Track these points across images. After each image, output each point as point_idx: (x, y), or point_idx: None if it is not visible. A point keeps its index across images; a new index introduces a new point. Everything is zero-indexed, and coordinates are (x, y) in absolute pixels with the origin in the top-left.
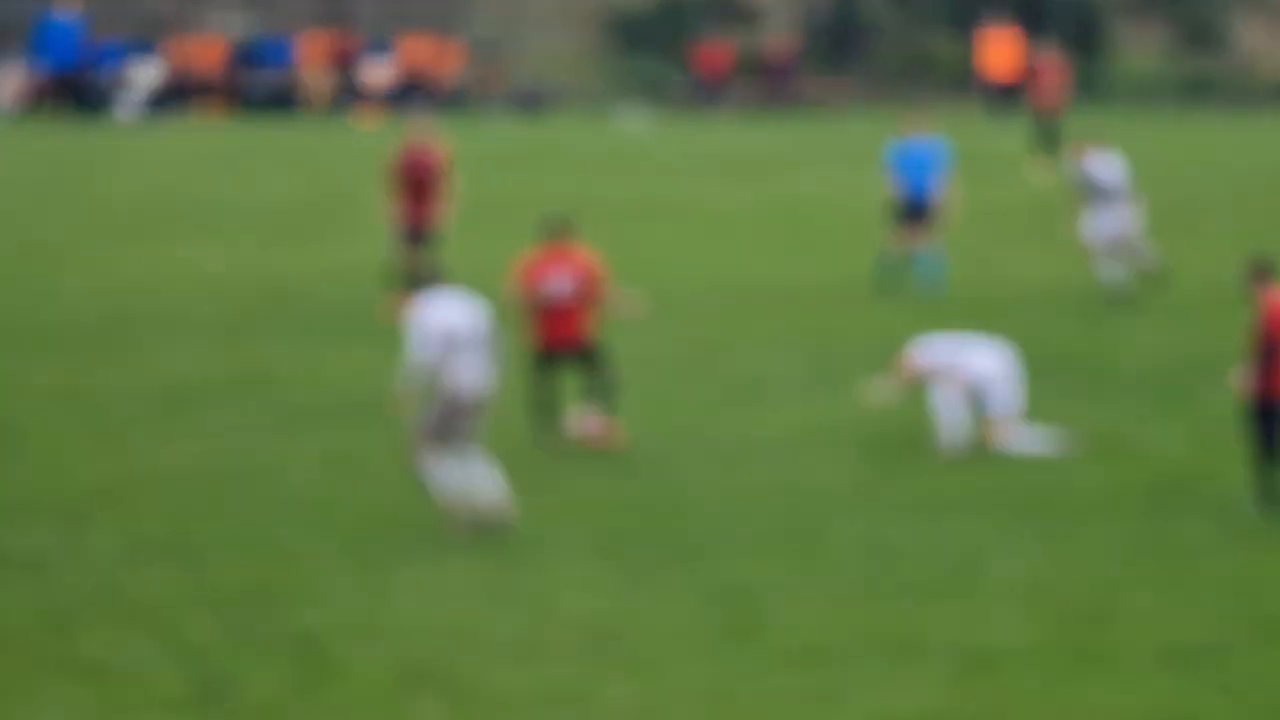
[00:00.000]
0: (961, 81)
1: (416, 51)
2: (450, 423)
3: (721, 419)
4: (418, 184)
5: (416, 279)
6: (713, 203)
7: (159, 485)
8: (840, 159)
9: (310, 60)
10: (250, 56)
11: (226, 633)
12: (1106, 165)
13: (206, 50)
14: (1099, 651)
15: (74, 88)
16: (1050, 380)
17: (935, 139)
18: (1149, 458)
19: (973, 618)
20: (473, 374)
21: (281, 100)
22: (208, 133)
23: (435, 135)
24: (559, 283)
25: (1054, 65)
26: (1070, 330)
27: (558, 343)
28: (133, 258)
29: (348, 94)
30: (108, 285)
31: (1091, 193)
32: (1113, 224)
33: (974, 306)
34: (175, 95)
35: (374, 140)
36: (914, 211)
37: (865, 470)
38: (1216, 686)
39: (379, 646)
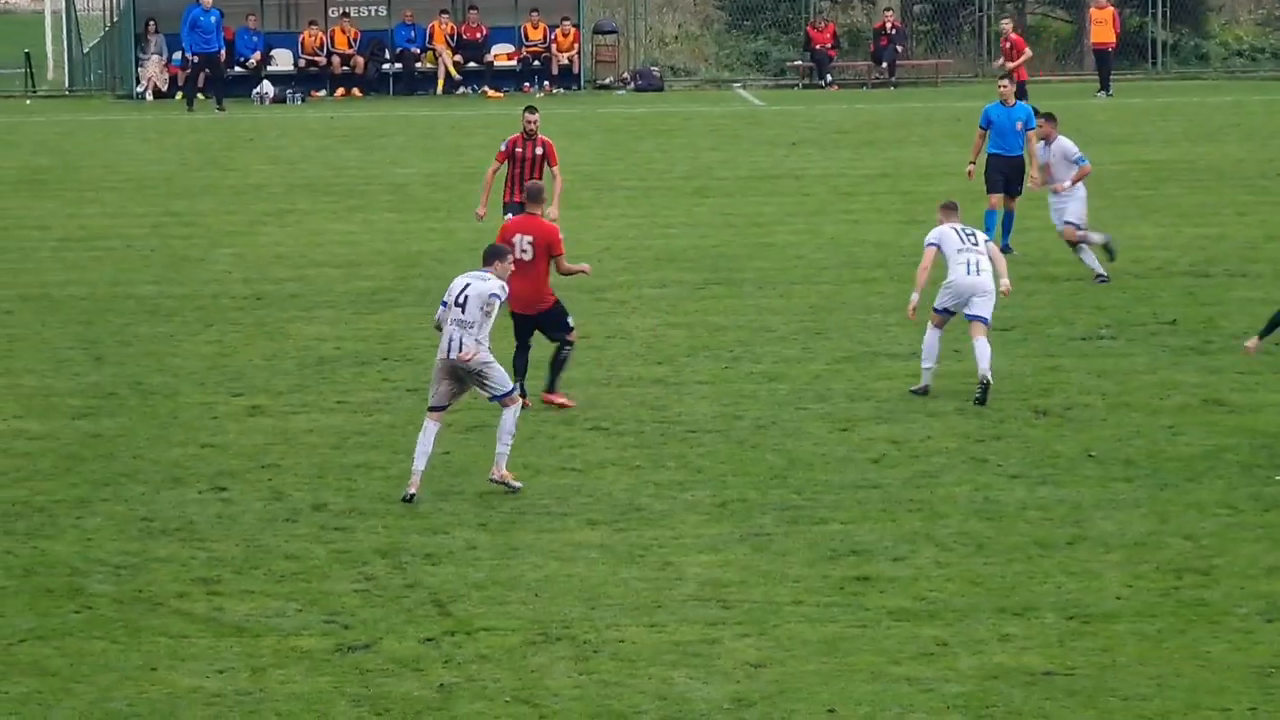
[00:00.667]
0: (1067, 54)
1: (538, 35)
2: (434, 382)
3: (834, 383)
4: (523, 174)
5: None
6: (826, 173)
7: (301, 452)
8: (944, 131)
9: (440, 44)
10: (383, 43)
11: (365, 592)
12: (1071, 144)
13: (341, 36)
14: (1205, 607)
15: (215, 74)
16: (1155, 342)
17: (1022, 105)
18: (1252, 417)
19: (1080, 575)
20: (447, 336)
21: (413, 83)
22: (344, 114)
23: (538, 127)
24: (523, 246)
25: (1018, 38)
26: (1174, 292)
27: (519, 304)
28: (276, 233)
29: (476, 76)
30: (252, 259)
31: (1064, 173)
32: (1079, 206)
33: (1079, 269)
34: (312, 80)
35: (502, 117)
36: (1005, 173)
37: (972, 431)
38: None
39: (509, 605)
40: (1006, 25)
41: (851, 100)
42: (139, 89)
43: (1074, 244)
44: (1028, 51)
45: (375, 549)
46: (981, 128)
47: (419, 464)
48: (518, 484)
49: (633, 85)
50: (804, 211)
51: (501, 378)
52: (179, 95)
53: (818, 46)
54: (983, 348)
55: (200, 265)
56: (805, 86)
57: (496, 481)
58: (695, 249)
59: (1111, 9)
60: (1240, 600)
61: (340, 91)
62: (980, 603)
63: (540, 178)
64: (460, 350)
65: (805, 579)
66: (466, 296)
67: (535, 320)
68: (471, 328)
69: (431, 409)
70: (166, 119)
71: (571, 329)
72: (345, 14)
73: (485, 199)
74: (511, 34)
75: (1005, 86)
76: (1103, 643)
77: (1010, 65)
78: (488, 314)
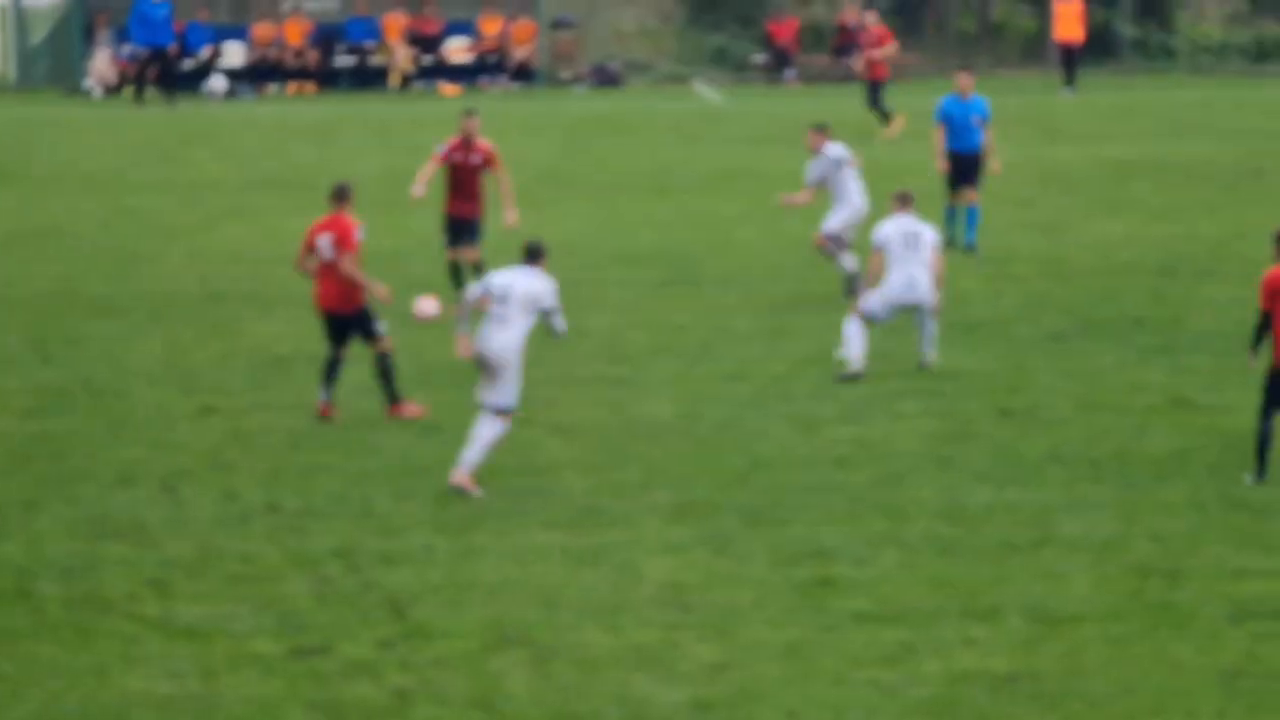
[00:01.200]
0: (1031, 50)
1: (494, 29)
2: (479, 373)
3: (797, 384)
4: (461, 180)
5: (458, 273)
6: (788, 171)
7: (255, 452)
8: (908, 128)
9: (394, 39)
10: (336, 36)
11: (319, 594)
12: (843, 151)
13: (294, 30)
14: (1172, 609)
15: (166, 68)
16: (1121, 342)
17: (979, 97)
18: (1218, 418)
19: (1046, 577)
20: (485, 333)
21: (367, 78)
22: (297, 109)
23: (479, 133)
24: (324, 246)
25: (879, 30)
26: (1140, 293)
27: (325, 304)
28: (228, 230)
29: (430, 71)
30: (205, 257)
31: (835, 181)
32: (843, 214)
33: (1045, 268)
34: (264, 74)
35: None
36: (962, 169)
37: (937, 432)
38: None
39: (466, 608)
40: (870, 17)
41: (813, 96)
42: (88, 84)
43: (825, 252)
44: (891, 46)
45: (330, 551)
46: (938, 122)
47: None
48: (478, 492)
49: (591, 81)
50: (766, 209)
51: (512, 390)
52: (128, 90)
53: (778, 42)
54: (927, 330)
55: (153, 263)
56: (767, 82)
57: (454, 487)
58: (656, 247)
59: (1078, 4)
60: (1207, 602)
61: (293, 86)
62: (945, 605)
63: (481, 186)
64: (493, 344)
65: (767, 582)
66: (509, 293)
67: (345, 321)
68: (509, 323)
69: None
70: (116, 114)
71: (382, 335)
72: (298, 7)
73: (422, 180)
74: (468, 28)
75: (964, 79)
76: (1069, 645)
77: (872, 56)
78: (544, 313)
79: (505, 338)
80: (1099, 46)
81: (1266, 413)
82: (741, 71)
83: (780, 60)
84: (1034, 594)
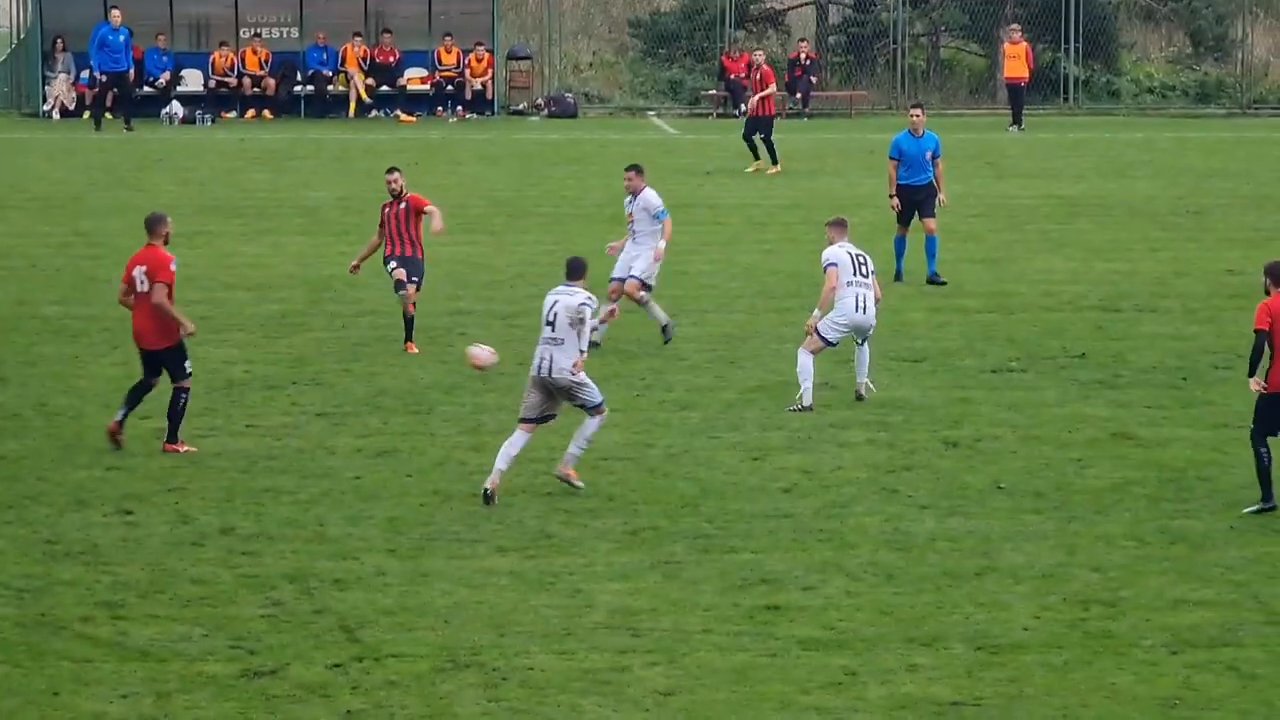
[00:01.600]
0: (979, 88)
1: (451, 59)
2: (526, 394)
3: (747, 413)
4: (397, 231)
5: (409, 322)
6: (741, 203)
7: (208, 475)
8: (859, 163)
9: (352, 67)
10: (295, 64)
11: (271, 617)
12: (655, 198)
13: (253, 58)
14: (1112, 638)
15: (124, 93)
16: (1065, 375)
17: (931, 134)
18: (1158, 451)
19: (988, 606)
20: (539, 355)
21: (325, 106)
22: (254, 135)
23: (402, 185)
24: (140, 279)
25: (767, 70)
26: (1083, 328)
27: (140, 337)
28: (185, 255)
29: (388, 100)
30: None
31: (645, 226)
32: (647, 264)
33: (990, 302)
34: (222, 100)
35: (414, 143)
36: (914, 203)
37: (883, 462)
38: (1227, 671)
39: (417, 631)
40: (759, 56)
41: None
42: (46, 107)
43: (636, 300)
44: (772, 86)
45: (283, 574)
46: (892, 158)
47: (501, 464)
48: (580, 484)
49: (546, 111)
50: (718, 241)
51: (593, 391)
52: (86, 114)
53: (732, 76)
54: (864, 357)
55: (107, 286)
56: (719, 116)
57: (560, 477)
58: (608, 276)
59: (1025, 44)
60: (1146, 632)
61: (251, 113)
62: (889, 633)
63: (418, 227)
64: (553, 369)
65: (715, 607)
66: (556, 314)
67: (158, 356)
68: (563, 344)
69: (522, 420)
70: (74, 138)
71: (188, 374)
72: (257, 35)
73: (361, 256)
74: (425, 58)
75: (917, 115)
76: (1010, 673)
77: (757, 97)
78: (579, 325)
79: (565, 359)
80: (1045, 86)
81: (1260, 438)
82: (695, 104)
83: (734, 93)
84: (976, 622)
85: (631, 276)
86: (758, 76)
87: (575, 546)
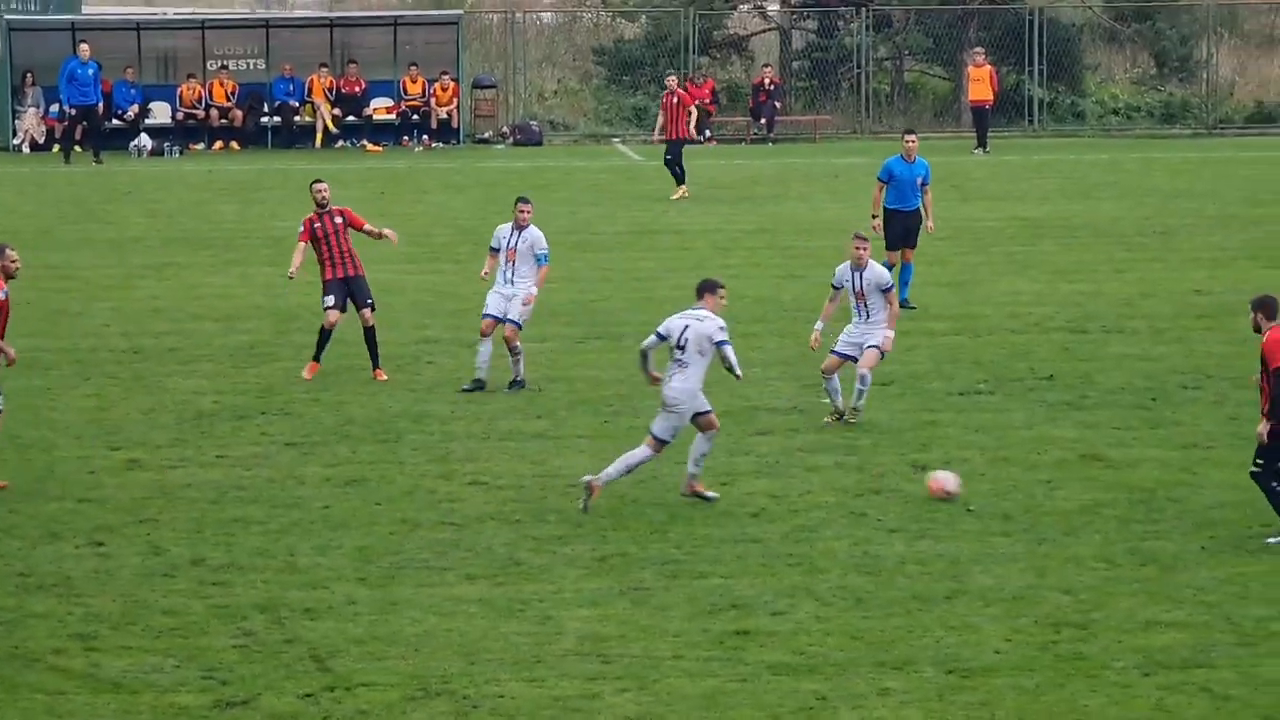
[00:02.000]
0: (944, 111)
1: (417, 89)
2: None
3: (715, 440)
4: (331, 249)
5: (370, 345)
6: (705, 229)
7: (179, 506)
8: (823, 187)
9: (319, 98)
10: (261, 96)
11: (243, 648)
12: (541, 238)
13: (220, 89)
14: (1083, 661)
15: (92, 126)
16: (1033, 397)
17: (923, 160)
18: (1127, 473)
19: (959, 629)
20: (668, 379)
21: (292, 136)
22: (222, 166)
23: (327, 196)
24: None
25: (686, 97)
26: (1051, 348)
27: None
28: (153, 286)
29: (355, 130)
30: (130, 313)
31: (526, 267)
32: (523, 307)
33: (957, 324)
34: (190, 132)
35: (380, 172)
36: (904, 228)
37: (851, 486)
38: (1199, 693)
39: (388, 660)
40: (671, 81)
41: (730, 156)
42: (15, 141)
43: (510, 348)
44: (693, 110)
45: (254, 604)
46: (881, 180)
47: (611, 472)
48: (713, 495)
49: (512, 140)
50: (683, 266)
51: (711, 415)
52: (56, 148)
53: (696, 102)
54: (866, 378)
55: (78, 319)
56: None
57: (689, 495)
58: (575, 303)
59: (989, 67)
60: (1118, 654)
61: (218, 144)
62: (859, 657)
63: (349, 244)
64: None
65: (685, 633)
66: (686, 339)
67: None
68: (688, 368)
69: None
70: (43, 171)
71: None
72: (224, 67)
73: (296, 261)
74: (390, 88)
75: (911, 141)
76: (981, 696)
77: (661, 124)
78: (704, 355)
79: (685, 383)
80: (1010, 108)
81: (1268, 472)
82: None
83: (698, 120)
84: (947, 645)
85: (510, 320)
86: (674, 101)
87: (544, 573)
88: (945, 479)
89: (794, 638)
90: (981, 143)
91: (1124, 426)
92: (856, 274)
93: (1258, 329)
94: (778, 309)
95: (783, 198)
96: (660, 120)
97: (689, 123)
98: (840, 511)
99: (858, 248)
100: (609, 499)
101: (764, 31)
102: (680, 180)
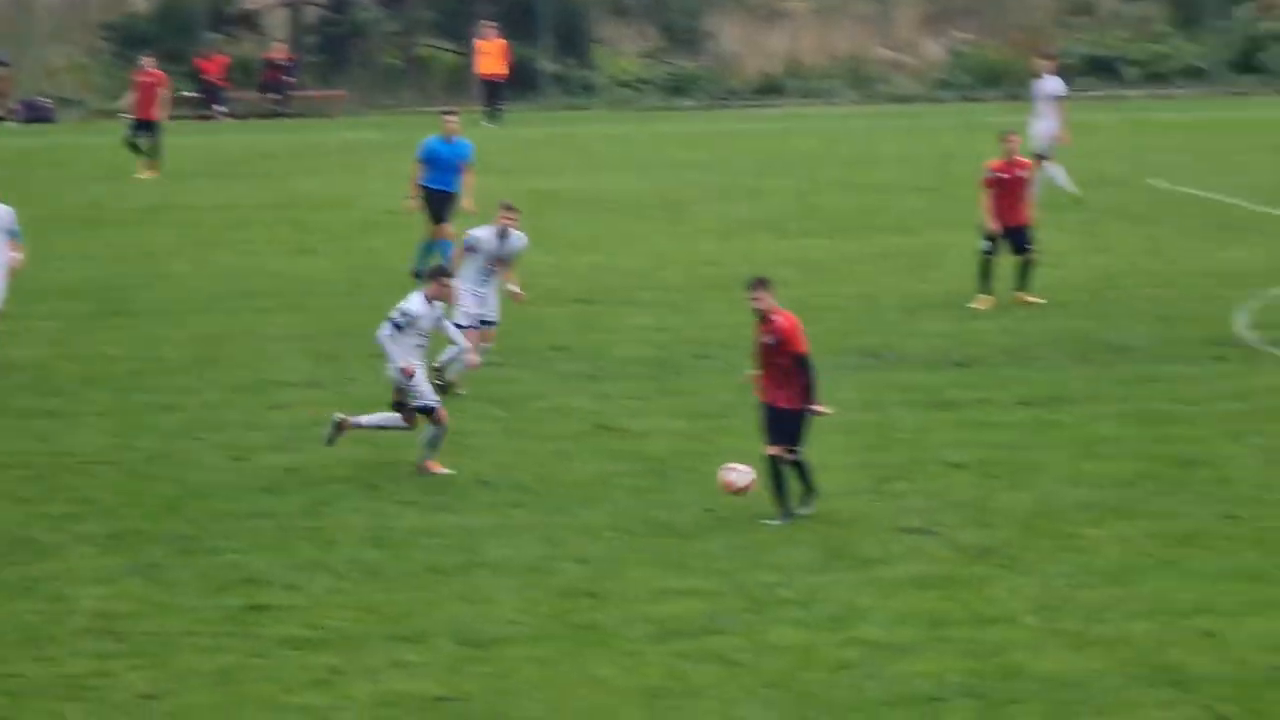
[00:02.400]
0: (454, 84)
1: None
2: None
3: (229, 413)
4: None
5: None
6: (218, 204)
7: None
8: (337, 161)
9: None
10: None
11: None
12: None
13: None
14: (596, 629)
15: None
16: (546, 368)
17: (464, 140)
18: (640, 443)
19: (473, 601)
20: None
21: None
22: None
23: None
24: None
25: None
26: (563, 321)
27: None
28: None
29: None
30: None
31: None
32: None
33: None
34: None
35: None
36: (439, 203)
37: (367, 459)
38: (711, 659)
39: None
40: (147, 61)
41: (243, 131)
42: None
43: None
44: (166, 90)
45: None
46: (419, 159)
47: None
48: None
49: (23, 116)
50: (197, 242)
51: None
52: None
53: (207, 77)
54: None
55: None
56: (196, 118)
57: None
58: (87, 280)
59: (499, 40)
60: (630, 622)
61: None
62: (374, 630)
63: None
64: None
65: (198, 609)
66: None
67: None
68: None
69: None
70: None
71: None
72: None
73: None
74: None
75: (452, 121)
76: (497, 667)
77: (132, 103)
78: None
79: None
80: (521, 81)
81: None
82: (176, 107)
83: (210, 95)
84: (462, 617)
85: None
86: (147, 80)
87: (57, 551)
88: (736, 477)
89: (308, 611)
90: (493, 116)
91: (637, 396)
92: (502, 241)
93: (763, 310)
94: (293, 283)
95: (296, 173)
96: (133, 98)
97: (159, 103)
98: (355, 484)
99: (504, 218)
100: (121, 476)
101: (276, 6)
102: (147, 156)
